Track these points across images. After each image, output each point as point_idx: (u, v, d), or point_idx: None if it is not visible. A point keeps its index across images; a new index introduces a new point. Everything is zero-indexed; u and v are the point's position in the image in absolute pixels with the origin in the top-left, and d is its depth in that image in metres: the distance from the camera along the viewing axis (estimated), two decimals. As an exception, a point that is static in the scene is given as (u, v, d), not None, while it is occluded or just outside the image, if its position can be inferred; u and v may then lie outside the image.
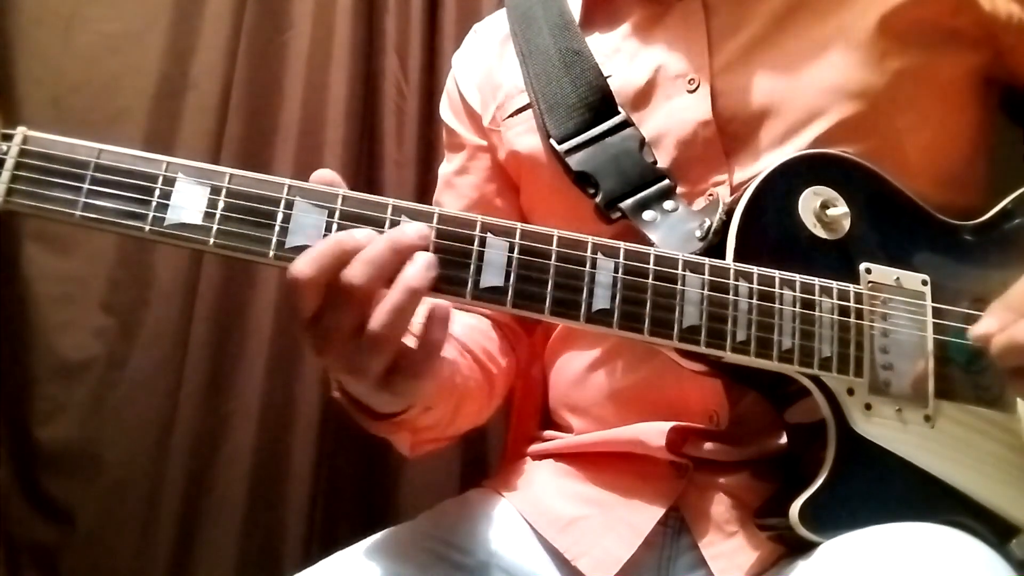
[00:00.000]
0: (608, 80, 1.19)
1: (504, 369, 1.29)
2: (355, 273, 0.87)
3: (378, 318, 0.88)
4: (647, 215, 1.11)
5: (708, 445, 1.11)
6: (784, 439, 1.07)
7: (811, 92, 1.12)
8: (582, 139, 1.17)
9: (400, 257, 0.88)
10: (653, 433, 1.12)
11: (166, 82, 2.08)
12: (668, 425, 1.11)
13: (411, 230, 0.90)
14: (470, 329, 1.26)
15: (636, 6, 1.25)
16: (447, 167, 1.40)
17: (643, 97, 1.19)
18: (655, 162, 1.14)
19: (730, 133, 1.13)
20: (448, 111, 1.42)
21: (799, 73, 1.13)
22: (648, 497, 1.14)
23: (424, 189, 2.00)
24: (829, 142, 1.08)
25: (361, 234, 0.89)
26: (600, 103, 1.18)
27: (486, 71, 1.36)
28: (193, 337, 1.97)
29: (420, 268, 0.89)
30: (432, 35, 2.09)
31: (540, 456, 1.27)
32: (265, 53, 2.07)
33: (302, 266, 0.87)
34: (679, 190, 1.13)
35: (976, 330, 0.97)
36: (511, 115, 1.28)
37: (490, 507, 1.25)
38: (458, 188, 1.36)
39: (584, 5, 1.29)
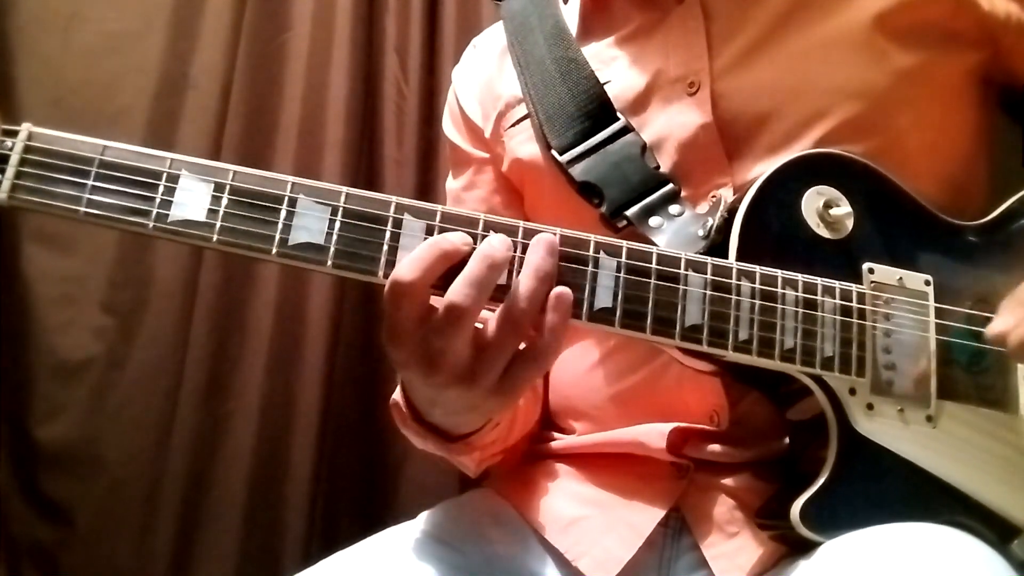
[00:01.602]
0: (607, 86, 1.19)
1: (540, 381, 1.30)
2: (460, 296, 0.88)
3: (516, 304, 0.89)
4: (653, 221, 1.10)
5: (709, 446, 1.11)
6: (785, 439, 1.07)
7: (812, 93, 1.12)
8: (583, 148, 1.16)
9: (498, 271, 0.89)
10: (654, 435, 1.12)
11: (166, 82, 2.09)
12: (669, 427, 1.11)
13: (498, 242, 0.90)
14: None
15: (634, 12, 1.25)
16: (454, 183, 1.40)
17: (642, 102, 1.19)
18: (658, 167, 1.14)
19: (732, 135, 1.13)
20: (451, 126, 1.42)
21: (800, 74, 1.13)
22: (649, 498, 1.13)
23: (424, 189, 2.01)
24: (831, 142, 1.08)
25: (456, 236, 0.90)
26: (599, 111, 1.18)
27: (486, 83, 1.36)
28: (193, 337, 1.97)
29: (543, 252, 0.91)
30: (432, 35, 2.09)
31: (541, 457, 1.27)
32: (265, 53, 2.07)
33: (404, 271, 0.88)
34: (683, 193, 1.13)
35: (992, 329, 0.97)
36: (512, 125, 1.28)
37: (490, 507, 1.25)
38: (467, 203, 1.36)
39: (581, 13, 1.29)
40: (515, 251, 0.92)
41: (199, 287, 1.98)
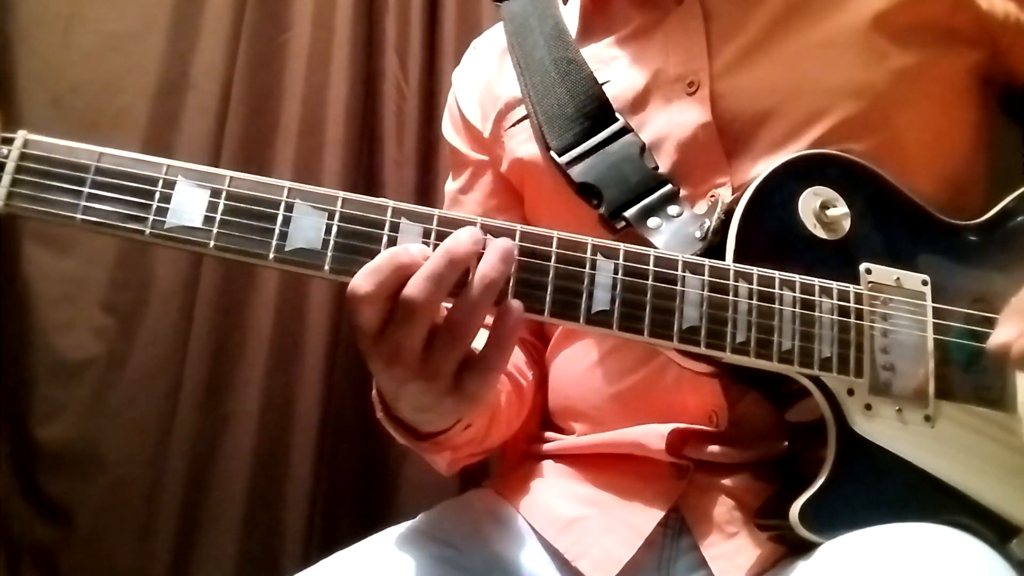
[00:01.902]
0: (606, 87, 1.19)
1: (531, 382, 1.29)
2: (418, 291, 0.87)
3: (455, 314, 0.89)
4: (652, 222, 1.10)
5: (708, 447, 1.11)
6: (784, 440, 1.07)
7: (811, 92, 1.12)
8: (582, 149, 1.16)
9: (458, 268, 0.89)
10: (653, 436, 1.12)
11: (166, 82, 2.09)
12: (668, 428, 1.11)
13: (465, 238, 0.90)
14: None
15: (634, 13, 1.25)
16: (452, 185, 1.40)
17: (641, 101, 1.19)
18: (656, 167, 1.14)
19: (731, 135, 1.13)
20: (450, 129, 1.42)
21: (799, 74, 1.13)
22: (648, 498, 1.13)
23: (424, 189, 2.01)
24: (830, 142, 1.08)
25: (416, 249, 0.89)
26: (598, 111, 1.18)
27: (485, 85, 1.36)
28: (193, 337, 1.98)
29: (497, 260, 0.90)
30: (432, 35, 2.09)
31: (540, 457, 1.27)
32: (265, 53, 2.07)
33: (361, 281, 0.88)
34: (682, 193, 1.13)
35: (995, 340, 0.97)
36: (512, 126, 1.28)
37: (490, 507, 1.25)
38: (464, 205, 1.36)
39: (581, 14, 1.30)
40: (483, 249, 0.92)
41: (199, 287, 1.99)
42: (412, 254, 0.89)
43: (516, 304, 0.91)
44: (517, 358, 1.28)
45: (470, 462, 1.23)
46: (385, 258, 0.88)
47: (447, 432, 1.05)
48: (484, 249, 0.90)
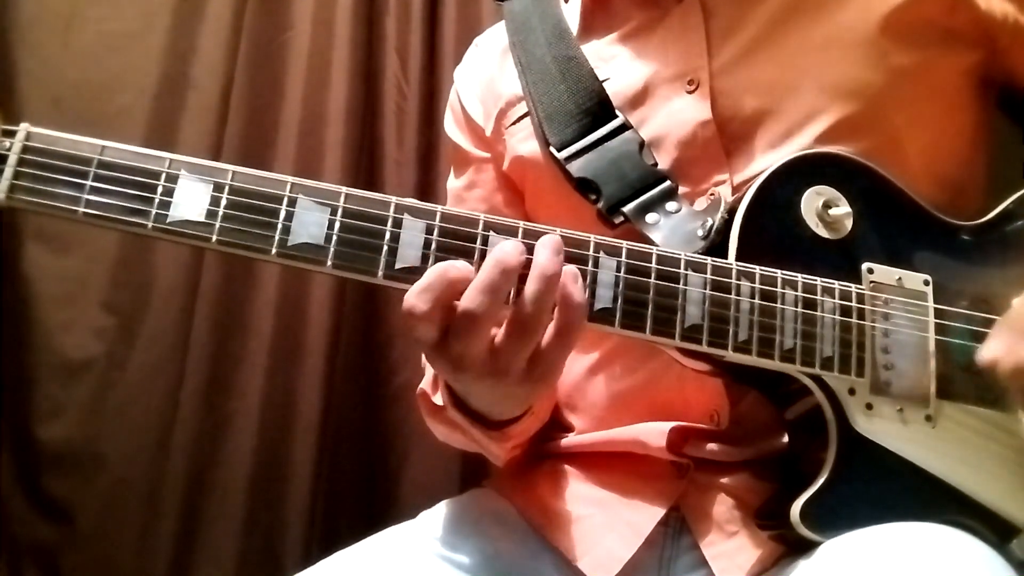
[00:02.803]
0: (606, 84, 1.19)
1: None
2: (476, 303, 0.88)
3: (523, 312, 0.89)
4: (650, 218, 1.11)
5: (709, 445, 1.11)
6: (785, 439, 1.07)
7: (810, 91, 1.12)
8: (581, 145, 1.17)
9: (511, 277, 0.89)
10: (654, 433, 1.12)
11: (166, 82, 2.09)
12: (669, 425, 1.11)
13: (511, 246, 0.90)
14: None
15: (634, 11, 1.25)
16: (455, 183, 1.40)
17: (641, 99, 1.19)
18: (655, 164, 1.14)
19: (730, 133, 1.13)
20: (452, 125, 1.42)
21: (798, 72, 1.13)
22: (649, 497, 1.14)
23: (424, 189, 2.01)
24: (829, 141, 1.09)
25: (463, 264, 0.90)
26: (597, 108, 1.18)
27: (487, 82, 1.36)
28: (194, 337, 1.98)
29: (550, 254, 0.90)
30: (432, 35, 2.09)
31: (541, 456, 1.27)
32: (265, 53, 2.07)
33: (415, 301, 0.88)
34: (681, 191, 1.13)
35: (983, 355, 0.97)
36: (513, 123, 1.29)
37: (490, 507, 1.25)
38: (467, 202, 1.36)
39: (582, 12, 1.30)
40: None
41: (200, 287, 1.99)
42: (460, 268, 0.90)
43: (579, 293, 0.91)
44: None
45: (517, 452, 1.24)
46: (435, 275, 0.89)
47: (518, 420, 1.07)
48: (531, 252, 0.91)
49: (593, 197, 1.14)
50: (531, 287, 0.89)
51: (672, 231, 1.09)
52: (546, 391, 1.05)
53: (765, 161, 1.07)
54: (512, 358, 0.91)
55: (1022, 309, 0.99)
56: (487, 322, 0.89)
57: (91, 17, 2.09)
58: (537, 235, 0.93)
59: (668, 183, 1.12)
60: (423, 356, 1.06)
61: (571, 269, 0.91)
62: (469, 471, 1.87)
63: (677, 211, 1.10)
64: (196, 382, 1.96)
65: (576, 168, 1.16)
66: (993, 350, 0.97)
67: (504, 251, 0.90)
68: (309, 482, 1.93)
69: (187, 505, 1.93)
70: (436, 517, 1.24)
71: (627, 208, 1.12)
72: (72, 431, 1.99)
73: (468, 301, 0.88)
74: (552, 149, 1.18)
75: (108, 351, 2.01)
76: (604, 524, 1.15)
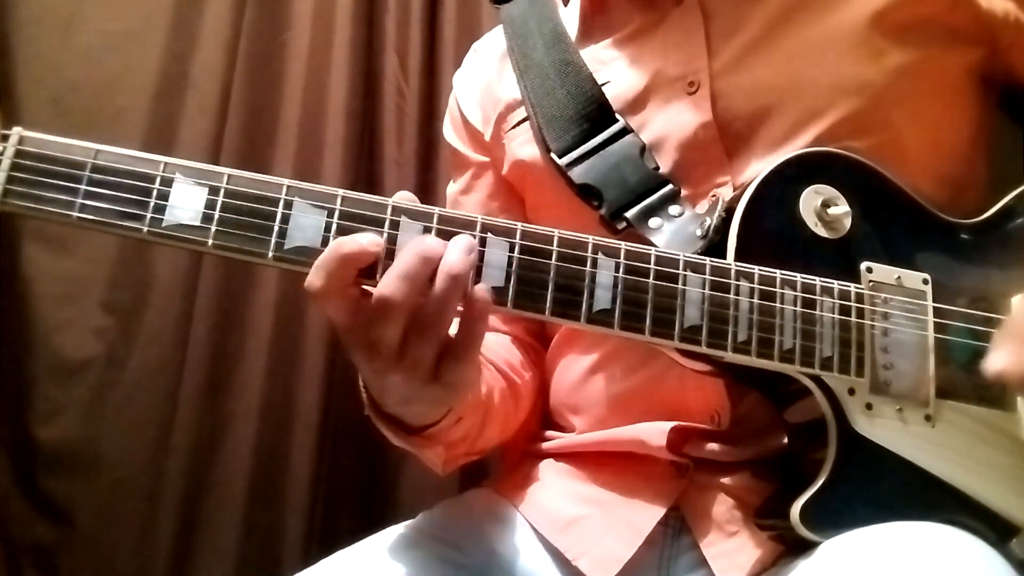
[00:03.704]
0: (605, 88, 1.19)
1: (528, 383, 1.29)
2: (392, 289, 0.88)
3: (427, 308, 0.89)
4: (653, 222, 1.10)
5: (709, 445, 1.11)
6: (785, 439, 1.07)
7: (810, 91, 1.12)
8: (582, 151, 1.16)
9: (430, 265, 0.89)
10: (654, 433, 1.12)
11: (166, 82, 2.09)
12: (669, 425, 1.11)
13: (432, 240, 0.91)
14: (491, 344, 1.26)
15: (633, 14, 1.25)
16: (453, 187, 1.41)
17: (641, 102, 1.19)
18: (657, 168, 1.14)
19: (731, 134, 1.13)
20: (451, 131, 1.42)
21: (798, 72, 1.13)
22: (649, 497, 1.13)
23: (424, 189, 2.01)
24: (829, 140, 1.08)
25: (364, 238, 0.90)
26: (597, 112, 1.18)
27: (485, 87, 1.36)
28: (193, 337, 1.98)
29: (461, 253, 0.90)
30: (432, 35, 2.09)
31: (540, 456, 1.27)
32: (265, 53, 2.07)
33: (313, 279, 0.88)
34: (683, 193, 1.13)
35: (991, 367, 0.97)
36: (512, 128, 1.28)
37: (490, 507, 1.25)
38: (465, 207, 1.36)
39: (581, 16, 1.30)
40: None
41: (199, 287, 1.99)
42: (360, 242, 0.89)
43: (481, 292, 0.91)
44: (512, 357, 1.29)
45: (467, 461, 1.23)
46: (328, 253, 0.89)
47: (438, 424, 1.04)
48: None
49: (595, 203, 1.14)
50: (437, 284, 0.89)
51: (675, 235, 1.09)
52: (461, 395, 1.02)
53: (766, 161, 1.07)
54: (419, 353, 0.90)
55: (1022, 314, 0.99)
56: (402, 307, 0.88)
57: (91, 17, 2.09)
58: (535, 237, 0.94)
59: (670, 187, 1.12)
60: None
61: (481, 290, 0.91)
62: (469, 471, 1.86)
63: (680, 215, 1.10)
64: (195, 382, 1.96)
65: (578, 174, 1.16)
66: (1000, 360, 0.96)
67: (425, 242, 0.90)
68: (309, 482, 1.93)
69: (186, 505, 1.93)
70: (436, 517, 1.24)
71: (630, 213, 1.12)
72: (71, 431, 1.99)
73: (384, 286, 0.88)
74: (553, 155, 1.18)
75: (107, 351, 2.01)
76: (604, 524, 1.14)
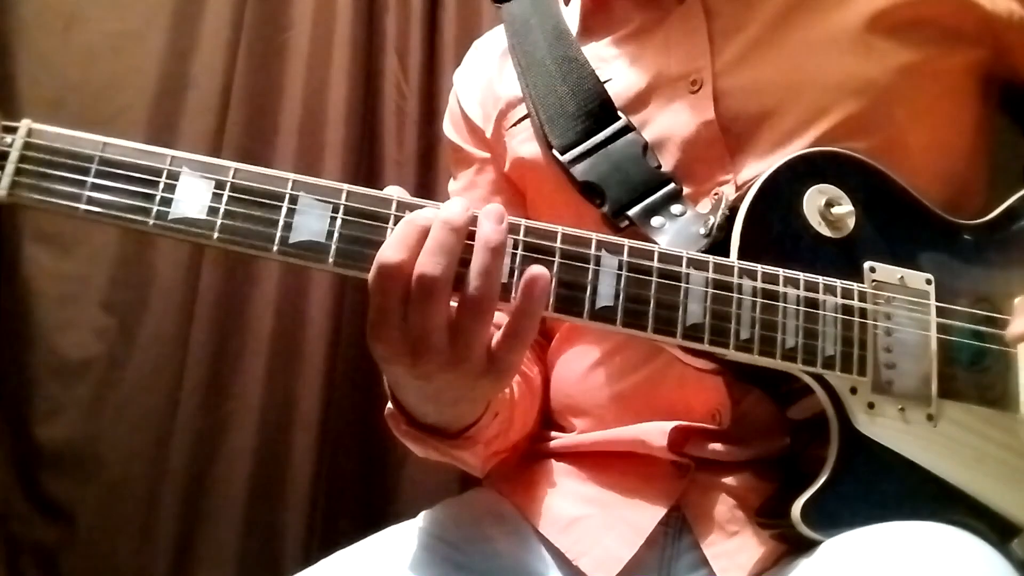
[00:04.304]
0: (607, 85, 1.19)
1: (536, 378, 1.29)
2: (431, 265, 0.87)
3: (472, 288, 0.88)
4: (655, 221, 1.10)
5: (711, 445, 1.11)
6: (787, 438, 1.07)
7: (813, 90, 1.12)
8: (584, 148, 1.16)
9: (461, 235, 0.89)
10: (655, 433, 1.12)
11: (166, 81, 2.09)
12: (670, 425, 1.11)
13: (457, 206, 0.90)
14: None
15: (635, 12, 1.25)
16: (455, 184, 1.40)
17: (644, 100, 1.19)
18: (659, 166, 1.14)
19: (734, 133, 1.13)
20: (451, 128, 1.42)
21: (801, 71, 1.13)
22: (650, 497, 1.13)
23: (424, 189, 2.01)
24: (832, 139, 1.08)
25: (428, 211, 0.90)
26: (599, 110, 1.18)
27: (486, 85, 1.36)
28: (193, 337, 1.98)
29: (493, 224, 0.90)
30: (432, 35, 2.10)
31: (541, 456, 1.27)
32: (265, 53, 2.07)
33: (391, 253, 0.88)
34: (685, 191, 1.13)
35: (1013, 331, 0.97)
36: (513, 125, 1.28)
37: (491, 507, 1.24)
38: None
39: (582, 14, 1.30)
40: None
41: (200, 287, 1.99)
42: (427, 216, 0.89)
43: (540, 274, 0.90)
44: None
45: (498, 459, 1.23)
46: (405, 225, 0.89)
47: (478, 423, 1.05)
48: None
49: (598, 201, 1.14)
50: (476, 259, 0.89)
51: (677, 234, 1.09)
52: (504, 385, 1.02)
53: (769, 161, 1.07)
54: (471, 339, 0.89)
55: None
56: (443, 284, 0.87)
57: (91, 17, 2.09)
58: (538, 233, 0.94)
59: (672, 185, 1.12)
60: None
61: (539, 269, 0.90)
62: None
63: (682, 214, 1.10)
64: (196, 382, 1.96)
65: (580, 172, 1.16)
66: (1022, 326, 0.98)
67: (449, 210, 0.89)
68: (309, 482, 1.93)
69: (187, 505, 1.93)
70: (436, 517, 1.24)
71: (632, 212, 1.11)
72: (72, 431, 1.99)
73: (422, 265, 0.87)
74: (555, 152, 1.18)
75: (108, 351, 2.02)
76: (605, 524, 1.14)
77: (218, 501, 1.94)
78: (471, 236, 0.90)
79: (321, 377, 1.98)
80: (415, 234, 0.88)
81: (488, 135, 1.33)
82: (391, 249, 0.88)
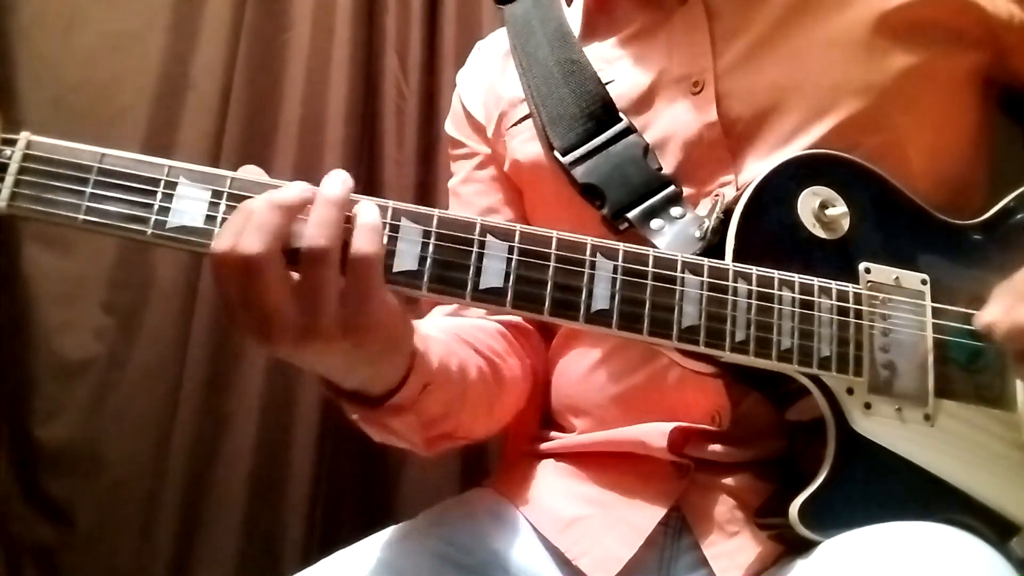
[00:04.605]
0: (609, 87, 1.20)
1: (515, 370, 1.27)
2: (316, 238, 0.86)
3: (309, 236, 0.87)
4: (655, 223, 1.11)
5: (710, 446, 1.11)
6: (785, 439, 1.07)
7: (814, 91, 1.12)
8: (586, 149, 1.17)
9: (290, 213, 0.87)
10: (655, 434, 1.12)
11: (166, 82, 2.08)
12: (670, 426, 1.11)
13: (333, 180, 0.90)
14: (472, 327, 1.25)
15: (637, 13, 1.25)
16: (454, 179, 1.41)
17: (646, 102, 1.19)
18: (660, 168, 1.15)
19: (735, 134, 1.14)
20: (453, 126, 1.42)
21: (803, 72, 1.13)
22: (649, 497, 1.14)
23: (424, 189, 2.01)
24: (833, 141, 1.09)
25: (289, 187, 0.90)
26: (601, 111, 1.18)
27: (489, 85, 1.36)
28: (193, 337, 1.97)
29: (335, 179, 0.90)
30: (432, 35, 2.09)
31: (541, 456, 1.27)
32: (265, 53, 2.07)
33: (249, 241, 0.85)
34: (686, 192, 1.13)
35: (981, 317, 0.98)
36: (514, 125, 1.29)
37: (491, 507, 1.25)
38: (464, 197, 1.36)
39: (584, 15, 1.30)
40: (473, 247, 0.93)
41: (199, 287, 1.98)
42: (291, 190, 0.89)
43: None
44: (496, 343, 1.26)
45: (454, 444, 1.19)
46: (261, 204, 0.87)
47: (400, 391, 1.01)
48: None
49: (598, 203, 1.15)
50: (315, 212, 0.88)
51: (676, 236, 1.09)
52: (374, 340, 0.94)
53: (770, 162, 1.07)
54: (315, 296, 0.87)
55: (1021, 275, 0.99)
56: (335, 256, 0.87)
57: (91, 18, 2.09)
58: (534, 238, 0.94)
59: (672, 188, 1.13)
60: None
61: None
62: (469, 471, 1.87)
63: (682, 216, 1.11)
64: (196, 382, 1.95)
65: (581, 173, 1.16)
66: (991, 313, 0.98)
67: (327, 184, 0.89)
68: (309, 482, 1.93)
69: (186, 505, 1.92)
70: (436, 516, 1.24)
71: (631, 214, 1.12)
72: (71, 431, 1.98)
73: (312, 238, 0.86)
74: (556, 153, 1.18)
75: (107, 351, 2.01)
76: (604, 524, 1.15)
77: (218, 501, 1.93)
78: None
79: (320, 378, 1.97)
80: (240, 219, 0.87)
81: (490, 134, 1.33)
82: (249, 236, 0.86)
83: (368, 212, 0.90)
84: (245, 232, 0.85)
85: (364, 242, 0.88)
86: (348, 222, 0.89)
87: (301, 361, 0.95)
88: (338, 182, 0.90)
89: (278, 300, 0.86)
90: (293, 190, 0.89)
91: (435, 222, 0.93)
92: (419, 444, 1.13)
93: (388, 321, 0.93)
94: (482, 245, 0.93)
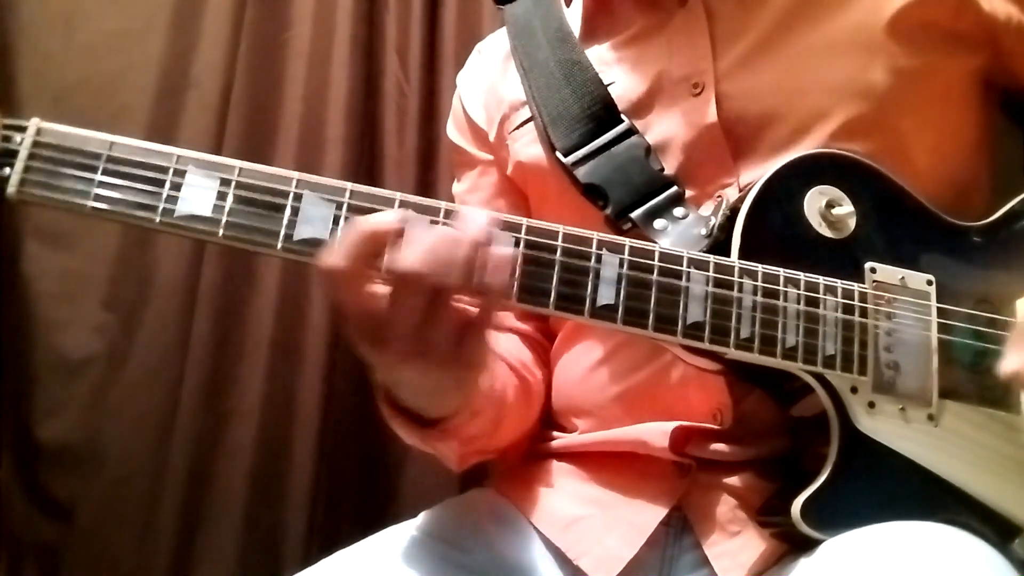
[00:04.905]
0: (610, 88, 1.19)
1: (539, 381, 1.28)
2: (419, 263, 0.87)
3: (451, 282, 0.88)
4: (658, 224, 1.11)
5: (712, 445, 1.11)
6: (788, 438, 1.07)
7: (816, 93, 1.12)
8: (588, 150, 1.17)
9: (459, 246, 0.88)
10: (656, 433, 1.12)
11: (167, 80, 2.09)
12: (671, 425, 1.11)
13: (475, 219, 0.91)
14: (501, 342, 1.26)
15: (638, 14, 1.25)
16: (458, 186, 1.41)
17: (646, 103, 1.19)
18: (662, 169, 1.15)
19: (736, 136, 1.13)
20: (455, 131, 1.42)
21: (804, 74, 1.13)
22: (651, 496, 1.13)
23: (425, 188, 2.01)
24: (834, 142, 1.09)
25: (381, 215, 0.91)
26: (603, 112, 1.18)
27: (489, 88, 1.36)
28: (194, 335, 1.97)
29: (478, 221, 0.91)
30: (432, 34, 2.09)
31: (543, 456, 1.27)
32: (266, 52, 2.07)
33: (335, 261, 0.88)
34: (688, 194, 1.13)
35: (1005, 368, 0.97)
36: (516, 128, 1.29)
37: (492, 506, 1.25)
38: (471, 205, 1.36)
39: (584, 16, 1.30)
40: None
41: (200, 285, 1.98)
42: (380, 219, 0.90)
43: (499, 258, 0.90)
44: (524, 355, 1.28)
45: (481, 459, 1.23)
46: (352, 231, 0.89)
47: (454, 419, 1.04)
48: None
49: (601, 203, 1.14)
50: (462, 254, 0.88)
51: (679, 237, 1.09)
52: (475, 378, 1.00)
53: (771, 163, 1.07)
54: (439, 330, 0.89)
55: None
56: (429, 283, 0.87)
57: (92, 16, 2.09)
58: (540, 232, 0.95)
59: (675, 188, 1.13)
60: None
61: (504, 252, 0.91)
62: (470, 470, 1.86)
63: (684, 217, 1.11)
64: (196, 380, 1.96)
65: (583, 174, 1.16)
66: (1015, 363, 0.97)
67: (468, 221, 0.90)
68: (309, 481, 1.93)
69: (187, 503, 1.93)
70: (436, 517, 1.24)
71: (635, 214, 1.12)
72: (72, 429, 1.99)
73: (412, 262, 0.87)
74: (558, 154, 1.18)
75: (108, 349, 2.01)
76: (606, 523, 1.14)
77: (218, 499, 1.93)
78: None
79: (321, 376, 1.97)
80: (361, 239, 0.89)
81: (491, 138, 1.33)
82: (336, 256, 0.88)
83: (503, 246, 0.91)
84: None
85: (495, 277, 0.90)
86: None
87: (390, 373, 0.97)
88: (482, 224, 0.91)
89: (416, 318, 0.88)
90: (389, 217, 0.91)
91: (441, 215, 0.93)
92: (453, 461, 1.17)
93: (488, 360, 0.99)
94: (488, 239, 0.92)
